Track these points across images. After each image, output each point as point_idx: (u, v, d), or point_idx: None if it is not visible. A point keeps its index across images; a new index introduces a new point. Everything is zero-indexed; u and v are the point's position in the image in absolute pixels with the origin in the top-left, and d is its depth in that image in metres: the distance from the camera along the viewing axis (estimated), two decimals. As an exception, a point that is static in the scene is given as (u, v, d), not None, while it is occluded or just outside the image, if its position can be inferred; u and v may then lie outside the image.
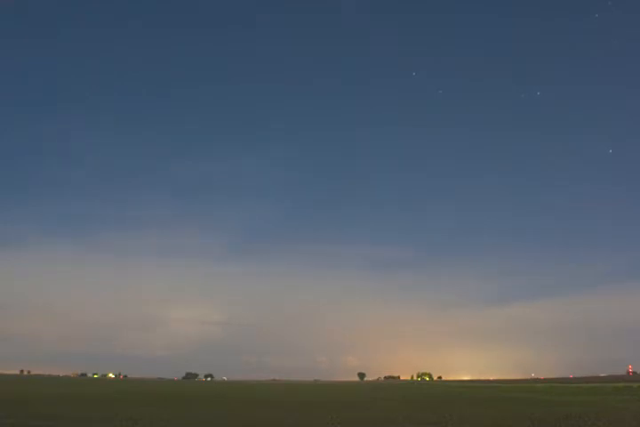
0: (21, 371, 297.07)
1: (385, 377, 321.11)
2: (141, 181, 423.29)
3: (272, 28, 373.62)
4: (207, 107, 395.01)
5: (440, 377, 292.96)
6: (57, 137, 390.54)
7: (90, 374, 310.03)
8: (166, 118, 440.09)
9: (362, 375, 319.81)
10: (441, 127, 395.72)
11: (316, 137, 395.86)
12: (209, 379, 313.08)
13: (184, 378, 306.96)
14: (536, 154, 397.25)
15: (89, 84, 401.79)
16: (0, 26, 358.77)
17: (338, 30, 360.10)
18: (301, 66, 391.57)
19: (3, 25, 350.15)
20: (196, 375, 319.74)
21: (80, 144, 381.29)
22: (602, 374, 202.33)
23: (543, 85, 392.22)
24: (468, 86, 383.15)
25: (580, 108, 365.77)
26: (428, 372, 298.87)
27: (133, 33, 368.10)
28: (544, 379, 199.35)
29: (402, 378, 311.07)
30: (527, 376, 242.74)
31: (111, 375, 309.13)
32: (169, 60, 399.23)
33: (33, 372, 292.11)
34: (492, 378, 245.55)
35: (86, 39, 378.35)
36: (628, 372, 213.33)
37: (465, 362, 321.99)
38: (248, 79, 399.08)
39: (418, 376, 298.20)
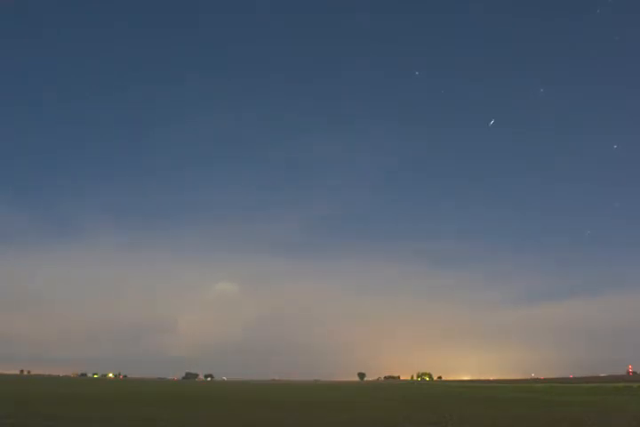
0: (21, 371, 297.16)
1: (385, 377, 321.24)
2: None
3: (272, 28, 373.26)
4: (210, 106, 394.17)
5: (440, 377, 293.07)
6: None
7: (90, 374, 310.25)
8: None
9: (362, 375, 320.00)
10: (442, 127, 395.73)
11: (315, 137, 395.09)
12: (209, 379, 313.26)
13: (184, 378, 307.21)
14: (539, 152, 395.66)
15: (89, 84, 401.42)
16: (0, 26, 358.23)
17: (338, 30, 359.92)
18: (301, 66, 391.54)
19: (3, 25, 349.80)
20: (196, 375, 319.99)
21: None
22: (602, 374, 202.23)
23: (546, 83, 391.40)
24: (470, 85, 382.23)
25: (584, 104, 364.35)
26: (428, 372, 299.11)
27: (133, 33, 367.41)
28: (544, 379, 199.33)
29: (402, 378, 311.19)
30: (527, 376, 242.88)
31: (111, 375, 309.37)
32: (169, 60, 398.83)
33: (33, 372, 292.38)
34: (491, 378, 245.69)
35: (86, 39, 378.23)
36: (628, 372, 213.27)
37: (465, 362, 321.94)
38: (247, 78, 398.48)
39: (418, 376, 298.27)
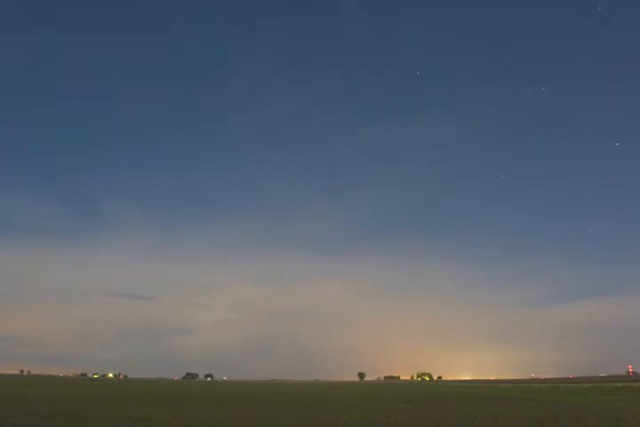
0: (21, 371, 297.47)
1: (385, 377, 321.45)
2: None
3: (272, 27, 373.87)
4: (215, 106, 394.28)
5: (440, 377, 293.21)
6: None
7: (90, 374, 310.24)
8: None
9: (362, 375, 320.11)
10: (444, 126, 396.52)
11: (316, 137, 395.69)
12: (209, 379, 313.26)
13: (184, 378, 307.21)
14: (541, 150, 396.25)
15: (90, 84, 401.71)
16: (0, 26, 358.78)
17: (338, 30, 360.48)
18: (301, 66, 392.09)
19: (3, 25, 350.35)
20: (196, 375, 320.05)
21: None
22: (602, 374, 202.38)
23: (546, 83, 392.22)
24: (472, 84, 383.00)
25: (584, 104, 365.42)
26: (427, 372, 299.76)
27: (133, 33, 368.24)
28: (544, 379, 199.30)
29: (402, 378, 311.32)
30: (527, 376, 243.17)
31: (111, 375, 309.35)
32: (168, 60, 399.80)
33: (33, 372, 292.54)
34: (491, 378, 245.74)
35: (86, 39, 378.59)
36: (628, 372, 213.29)
37: (465, 362, 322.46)
38: (248, 78, 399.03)
39: (418, 376, 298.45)
